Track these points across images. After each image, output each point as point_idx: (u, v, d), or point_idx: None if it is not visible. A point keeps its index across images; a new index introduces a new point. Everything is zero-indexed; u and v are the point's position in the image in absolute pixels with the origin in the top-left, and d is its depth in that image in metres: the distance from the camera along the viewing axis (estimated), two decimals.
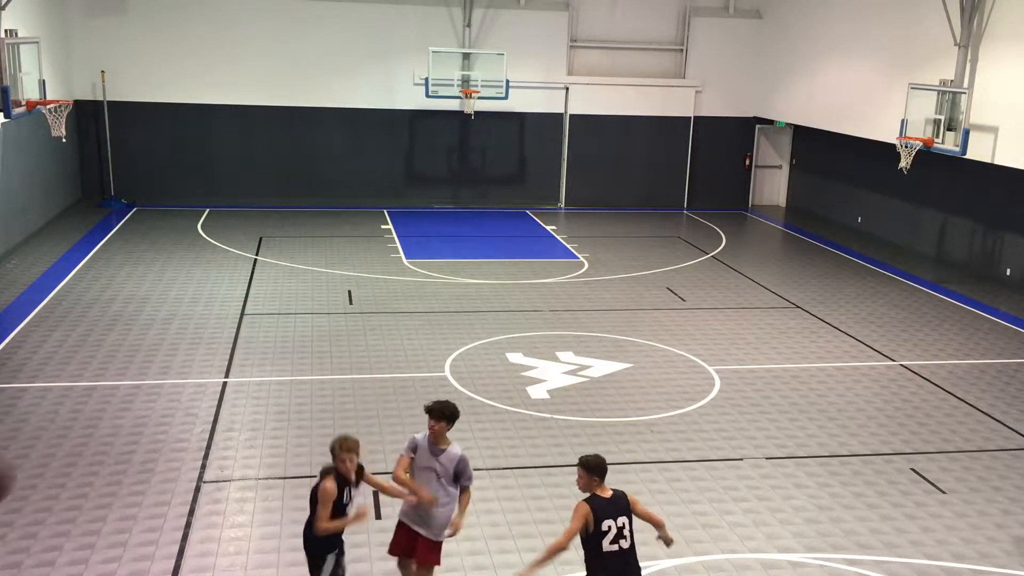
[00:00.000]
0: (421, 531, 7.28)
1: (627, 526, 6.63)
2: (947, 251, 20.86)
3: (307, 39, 24.23)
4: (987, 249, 19.67)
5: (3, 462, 5.56)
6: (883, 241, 22.71)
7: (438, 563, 7.40)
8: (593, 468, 6.67)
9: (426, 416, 7.19)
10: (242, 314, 15.57)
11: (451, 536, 7.35)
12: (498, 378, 13.04)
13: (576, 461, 6.84)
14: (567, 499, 9.68)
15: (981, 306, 17.58)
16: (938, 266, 20.69)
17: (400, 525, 7.43)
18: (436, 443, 7.19)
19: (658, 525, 6.97)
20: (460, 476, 7.23)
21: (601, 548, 6.54)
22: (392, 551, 7.55)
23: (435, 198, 25.86)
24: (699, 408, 12.26)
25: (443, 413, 7.14)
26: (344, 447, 6.87)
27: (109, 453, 10.39)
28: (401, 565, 7.63)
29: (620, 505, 6.64)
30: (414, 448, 7.25)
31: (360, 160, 25.24)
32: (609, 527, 6.55)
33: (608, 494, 6.66)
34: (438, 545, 7.34)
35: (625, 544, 6.62)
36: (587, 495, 6.68)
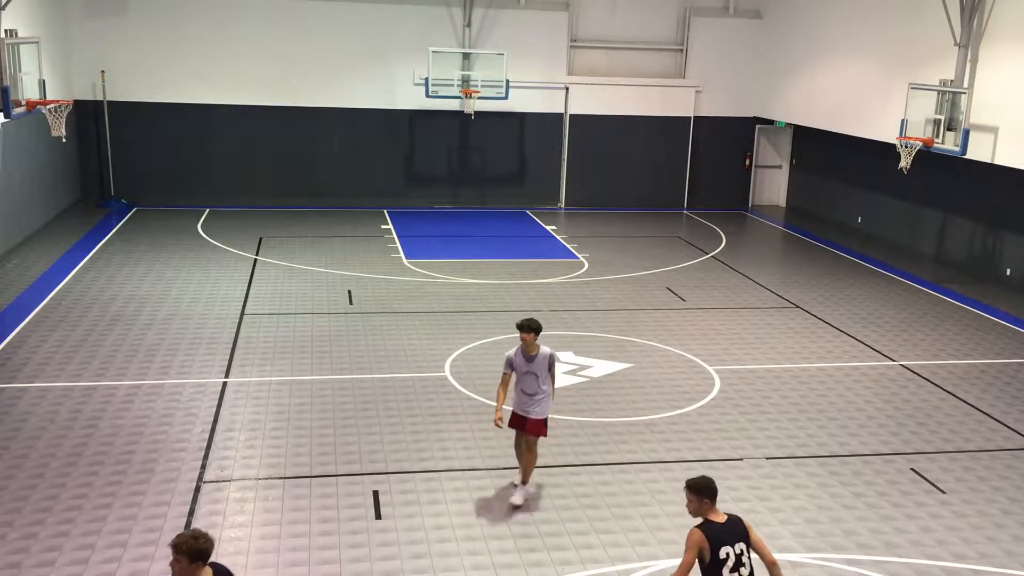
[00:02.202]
0: (531, 415, 9.43)
1: (745, 552, 6.22)
2: (947, 251, 20.86)
3: (307, 39, 24.23)
4: (987, 249, 19.67)
5: None
6: (883, 241, 22.71)
7: (544, 434, 9.58)
8: (702, 490, 6.29)
9: (518, 331, 9.28)
10: (242, 314, 15.57)
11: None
12: (498, 378, 13.02)
13: (687, 482, 6.43)
14: (567, 499, 9.69)
15: (981, 306, 17.58)
16: (938, 266, 20.69)
17: (513, 412, 9.62)
18: (527, 351, 9.35)
19: (770, 564, 6.36)
20: (552, 367, 9.43)
21: None
22: (511, 425, 9.68)
23: (435, 198, 25.86)
24: (699, 408, 12.26)
25: (530, 327, 9.27)
26: None
27: (109, 453, 10.39)
28: (517, 436, 9.73)
29: (736, 531, 6.23)
30: (511, 364, 9.43)
31: (360, 160, 25.24)
32: (727, 554, 6.14)
33: (722, 519, 6.26)
34: (543, 421, 9.48)
35: (745, 572, 6.18)
36: (699, 521, 6.28)
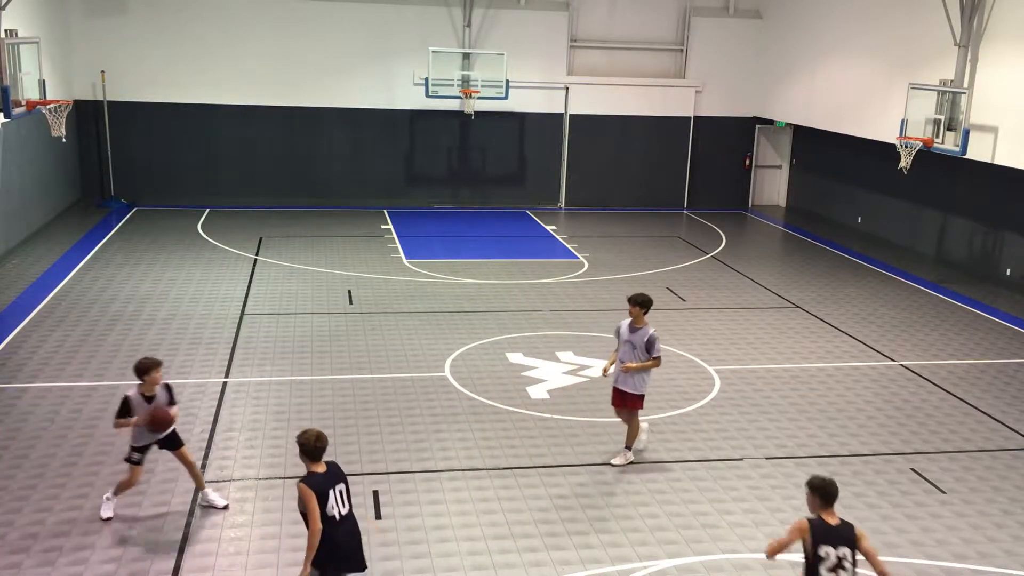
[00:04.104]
0: (626, 389, 10.27)
1: (848, 557, 6.34)
2: (947, 251, 20.86)
3: (307, 39, 24.23)
4: (987, 249, 19.67)
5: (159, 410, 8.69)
6: (883, 241, 22.71)
7: (641, 407, 10.37)
8: (816, 488, 6.48)
9: (628, 305, 10.17)
10: (242, 314, 15.57)
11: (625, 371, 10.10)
12: (498, 378, 13.04)
13: (807, 481, 6.68)
14: (567, 499, 9.70)
15: (981, 306, 17.58)
16: (938, 266, 20.69)
17: (614, 388, 10.41)
18: (635, 323, 10.18)
19: (880, 573, 6.50)
20: (650, 348, 10.10)
21: (818, 574, 6.37)
22: (612, 403, 10.55)
23: (435, 198, 25.86)
24: (699, 408, 12.26)
25: (638, 301, 10.13)
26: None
27: (109, 453, 10.39)
28: (618, 412, 10.61)
29: (844, 536, 6.36)
30: (617, 331, 10.33)
31: (360, 160, 25.24)
32: (827, 554, 6.33)
33: (835, 521, 6.43)
34: (639, 397, 10.28)
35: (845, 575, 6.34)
36: (813, 516, 6.50)
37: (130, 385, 12.48)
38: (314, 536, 6.76)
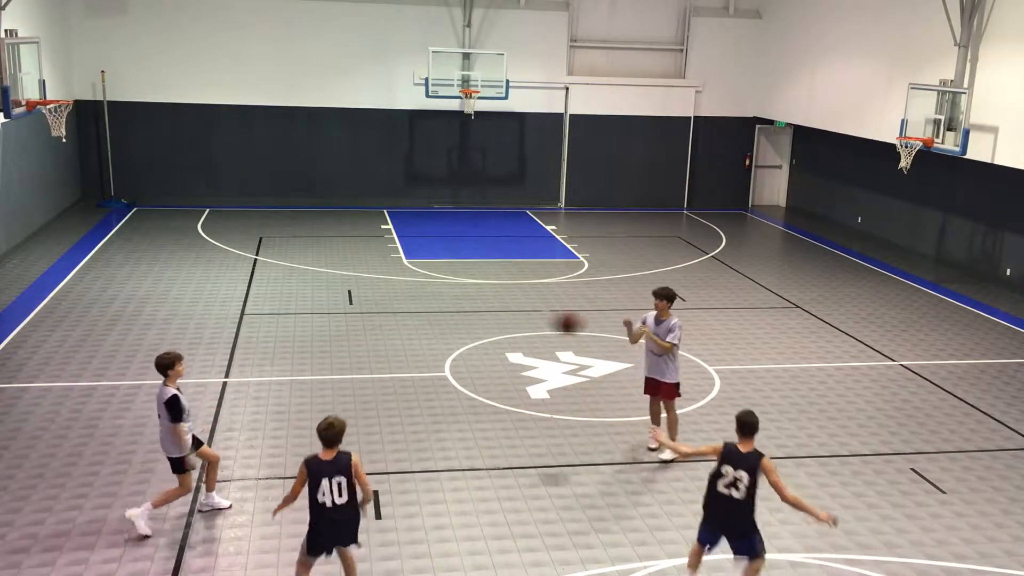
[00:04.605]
0: (657, 377, 10.59)
1: (744, 481, 7.43)
2: (947, 251, 20.86)
3: (307, 39, 24.23)
4: (987, 249, 19.67)
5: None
6: (883, 241, 22.71)
7: (678, 395, 10.69)
8: (737, 419, 7.67)
9: (654, 299, 10.50)
10: (242, 314, 15.57)
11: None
12: (498, 378, 13.04)
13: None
14: (567, 499, 9.70)
15: (981, 306, 17.58)
16: (938, 266, 20.69)
17: (646, 377, 10.76)
18: (660, 316, 10.50)
19: (784, 499, 7.45)
20: (668, 333, 10.41)
21: (716, 488, 7.60)
22: (645, 391, 10.84)
23: (435, 198, 25.86)
24: (699, 408, 12.26)
25: (663, 295, 10.46)
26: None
27: (109, 453, 10.39)
28: (652, 401, 10.84)
29: (748, 462, 7.49)
30: (644, 322, 10.60)
31: (360, 160, 25.24)
32: (727, 472, 7.53)
33: (746, 449, 7.55)
34: (675, 385, 10.60)
35: (737, 494, 7.46)
36: (730, 442, 7.67)
37: (130, 385, 12.54)
38: (284, 500, 7.57)
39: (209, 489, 9.25)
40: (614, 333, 15.16)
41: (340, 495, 7.26)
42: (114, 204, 23.77)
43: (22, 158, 19.73)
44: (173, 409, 8.54)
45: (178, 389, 8.65)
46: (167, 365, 8.65)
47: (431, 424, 11.45)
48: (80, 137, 23.64)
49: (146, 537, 8.66)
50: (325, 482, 7.21)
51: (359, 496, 7.41)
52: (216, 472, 9.23)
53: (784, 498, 7.44)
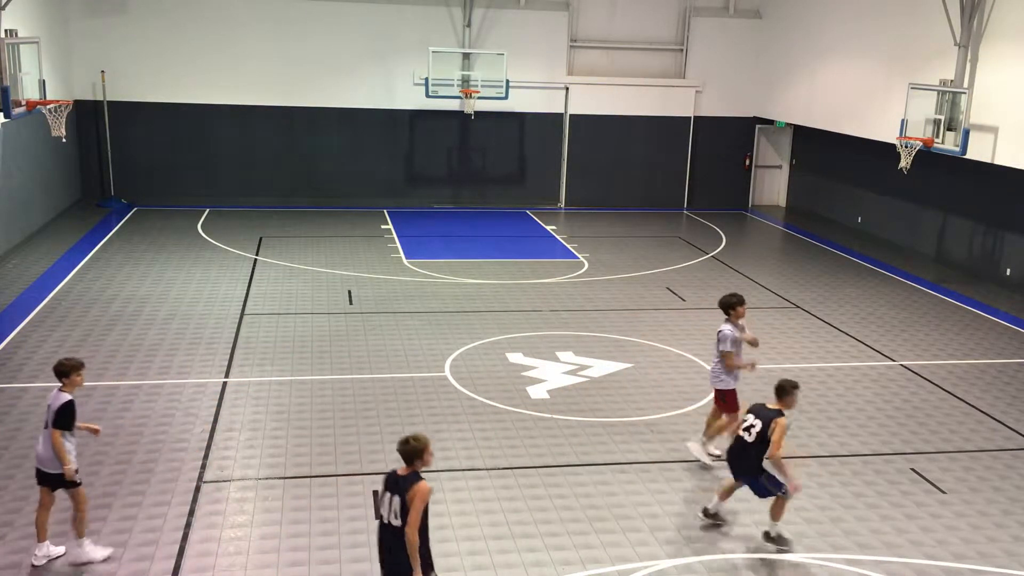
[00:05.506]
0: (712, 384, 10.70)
1: (758, 427, 8.67)
2: (947, 251, 20.86)
3: (307, 39, 24.23)
4: (987, 249, 19.67)
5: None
6: (883, 241, 22.71)
7: (725, 402, 10.58)
8: (777, 388, 8.89)
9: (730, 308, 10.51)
10: (242, 314, 15.57)
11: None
12: (498, 378, 13.04)
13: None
14: (567, 499, 9.69)
15: (981, 306, 17.58)
16: (938, 266, 20.69)
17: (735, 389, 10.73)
18: (739, 320, 10.63)
19: (770, 457, 8.61)
20: (718, 341, 10.46)
21: (738, 432, 8.94)
22: (735, 407, 10.69)
23: (435, 198, 25.86)
24: (699, 408, 12.26)
25: (735, 302, 10.55)
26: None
27: (109, 453, 10.39)
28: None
29: (764, 416, 8.71)
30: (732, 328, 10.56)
31: (360, 160, 25.24)
32: (748, 419, 8.86)
33: (772, 406, 8.76)
34: (718, 393, 10.63)
35: (748, 438, 8.73)
36: (762, 402, 8.94)
37: (130, 385, 12.55)
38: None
39: (79, 535, 8.29)
40: (614, 333, 15.17)
41: (395, 517, 6.82)
42: (114, 204, 23.77)
43: (22, 158, 19.73)
44: (63, 415, 8.07)
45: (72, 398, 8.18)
46: (65, 372, 8.17)
47: (431, 424, 11.45)
48: (80, 137, 23.64)
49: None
50: (386, 498, 6.88)
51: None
52: (85, 515, 8.30)
53: (771, 455, 8.51)
